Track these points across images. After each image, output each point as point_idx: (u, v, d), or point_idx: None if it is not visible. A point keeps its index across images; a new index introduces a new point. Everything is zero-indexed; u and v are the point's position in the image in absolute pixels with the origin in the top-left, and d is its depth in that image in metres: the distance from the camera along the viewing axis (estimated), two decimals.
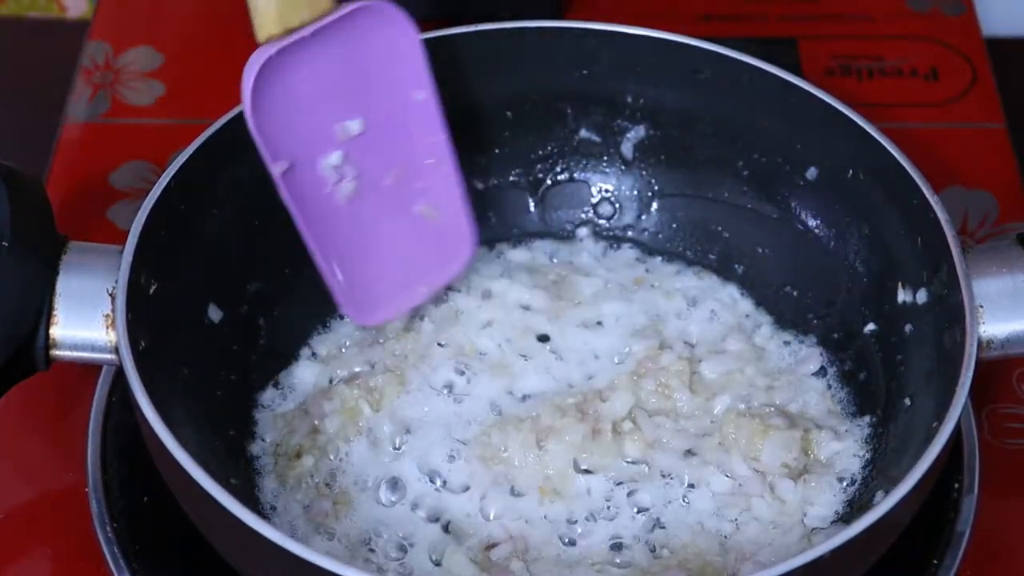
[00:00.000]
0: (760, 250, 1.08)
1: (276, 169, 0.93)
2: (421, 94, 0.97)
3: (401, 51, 0.95)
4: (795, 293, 1.06)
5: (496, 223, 1.11)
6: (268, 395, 1.02)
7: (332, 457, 0.98)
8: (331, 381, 1.02)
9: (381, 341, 1.04)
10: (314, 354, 1.04)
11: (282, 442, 0.99)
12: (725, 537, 0.94)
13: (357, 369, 1.03)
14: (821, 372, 1.03)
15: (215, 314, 0.99)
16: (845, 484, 0.96)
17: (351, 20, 0.92)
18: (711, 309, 1.07)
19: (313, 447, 0.98)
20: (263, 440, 1.00)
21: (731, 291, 1.09)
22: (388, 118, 0.97)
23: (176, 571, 0.96)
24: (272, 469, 0.98)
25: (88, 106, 1.24)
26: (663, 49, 1.04)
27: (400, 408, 1.00)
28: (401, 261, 1.01)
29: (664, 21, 1.21)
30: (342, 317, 1.05)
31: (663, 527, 0.95)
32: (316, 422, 0.99)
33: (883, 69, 1.27)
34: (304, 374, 1.03)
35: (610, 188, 1.11)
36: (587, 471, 0.97)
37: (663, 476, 0.97)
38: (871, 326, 1.01)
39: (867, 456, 0.97)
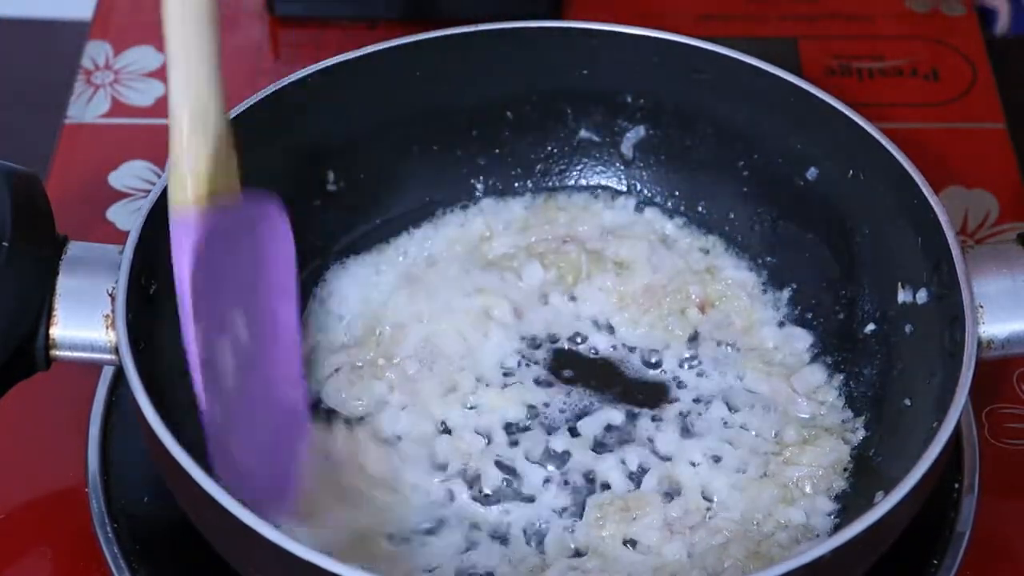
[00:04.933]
0: (759, 250, 1.08)
1: (193, 331, 0.87)
2: (288, 302, 0.93)
3: (278, 253, 0.92)
4: (794, 293, 1.06)
5: None
6: None
7: None
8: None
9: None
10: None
11: None
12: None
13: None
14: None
15: None
16: (844, 484, 0.96)
17: (249, 210, 0.89)
18: None
19: None
20: None
21: None
22: (261, 312, 0.93)
23: (176, 571, 0.96)
24: None
25: (88, 106, 1.24)
26: (663, 49, 1.04)
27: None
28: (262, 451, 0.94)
29: (664, 21, 1.21)
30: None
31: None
32: None
33: (883, 69, 1.27)
34: None
35: (610, 187, 1.11)
36: None
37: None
38: (871, 326, 1.01)
39: (867, 456, 0.97)
